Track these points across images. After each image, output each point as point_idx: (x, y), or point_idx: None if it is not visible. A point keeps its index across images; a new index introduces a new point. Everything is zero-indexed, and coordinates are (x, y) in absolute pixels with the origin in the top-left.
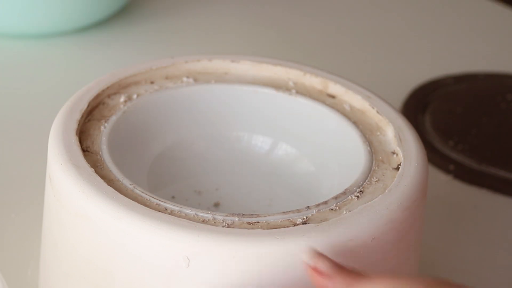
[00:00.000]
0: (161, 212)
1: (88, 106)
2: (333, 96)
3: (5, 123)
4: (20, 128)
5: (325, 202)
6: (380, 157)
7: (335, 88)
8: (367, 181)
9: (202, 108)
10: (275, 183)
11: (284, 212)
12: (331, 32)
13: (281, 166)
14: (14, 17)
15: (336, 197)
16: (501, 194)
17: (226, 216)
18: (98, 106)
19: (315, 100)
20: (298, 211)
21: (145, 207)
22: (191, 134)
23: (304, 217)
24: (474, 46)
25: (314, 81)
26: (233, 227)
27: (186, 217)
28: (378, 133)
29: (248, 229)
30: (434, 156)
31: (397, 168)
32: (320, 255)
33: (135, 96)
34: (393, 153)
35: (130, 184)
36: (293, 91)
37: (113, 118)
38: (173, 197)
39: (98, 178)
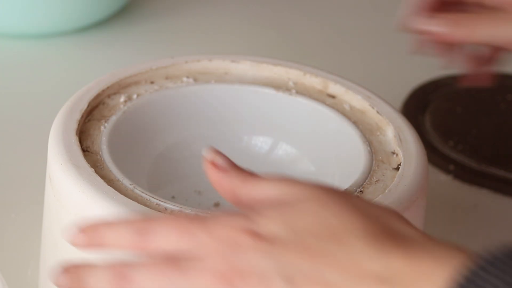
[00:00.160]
0: (161, 212)
1: (88, 106)
2: (333, 96)
3: (5, 123)
4: (20, 128)
5: None
6: (380, 157)
7: (335, 88)
8: (367, 181)
9: (202, 108)
10: None
11: None
12: (331, 32)
13: (281, 166)
14: (14, 17)
15: None
16: (501, 194)
17: None
18: (98, 106)
19: (315, 100)
20: None
21: (145, 207)
22: (191, 134)
23: None
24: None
25: (314, 81)
26: None
27: None
28: (378, 133)
29: None
30: (434, 156)
31: (397, 168)
32: (219, 152)
33: (135, 96)
34: (393, 153)
35: (130, 184)
36: (293, 91)
37: (113, 118)
38: (173, 197)
39: (98, 178)
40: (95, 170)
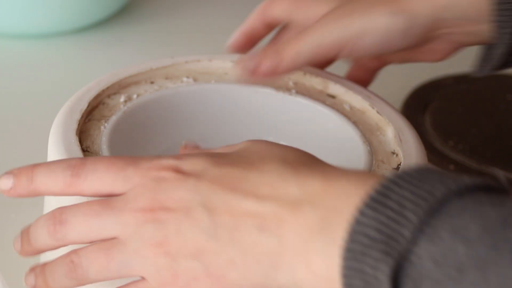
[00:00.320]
0: None
1: (88, 106)
2: (333, 96)
3: (5, 123)
4: (20, 128)
5: None
6: (380, 157)
7: (335, 88)
8: None
9: (202, 108)
10: None
11: None
12: None
13: None
14: (14, 17)
15: None
16: None
17: None
18: (98, 106)
19: (315, 100)
20: None
21: None
22: (191, 134)
23: None
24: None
25: (314, 81)
26: None
27: None
28: (378, 133)
29: None
30: (434, 156)
31: (397, 168)
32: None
33: (135, 96)
34: (393, 153)
35: None
36: (293, 91)
37: (113, 118)
38: None
39: None
40: None
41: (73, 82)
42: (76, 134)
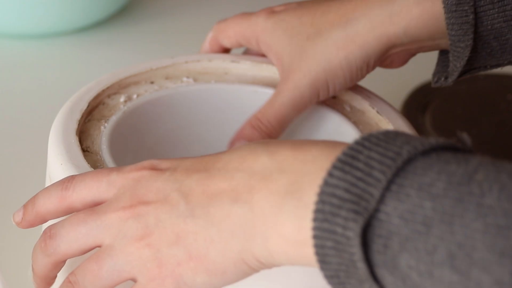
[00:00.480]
0: None
1: (88, 106)
2: (333, 96)
3: (5, 123)
4: (20, 128)
5: None
6: None
7: None
8: None
9: (202, 108)
10: None
11: None
12: None
13: None
14: (14, 17)
15: None
16: None
17: None
18: (98, 106)
19: None
20: None
21: None
22: (191, 134)
23: None
24: None
25: None
26: None
27: None
28: None
29: None
30: None
31: None
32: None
33: (135, 96)
34: None
35: None
36: None
37: (113, 118)
38: None
39: None
40: None
41: (73, 82)
42: (76, 134)
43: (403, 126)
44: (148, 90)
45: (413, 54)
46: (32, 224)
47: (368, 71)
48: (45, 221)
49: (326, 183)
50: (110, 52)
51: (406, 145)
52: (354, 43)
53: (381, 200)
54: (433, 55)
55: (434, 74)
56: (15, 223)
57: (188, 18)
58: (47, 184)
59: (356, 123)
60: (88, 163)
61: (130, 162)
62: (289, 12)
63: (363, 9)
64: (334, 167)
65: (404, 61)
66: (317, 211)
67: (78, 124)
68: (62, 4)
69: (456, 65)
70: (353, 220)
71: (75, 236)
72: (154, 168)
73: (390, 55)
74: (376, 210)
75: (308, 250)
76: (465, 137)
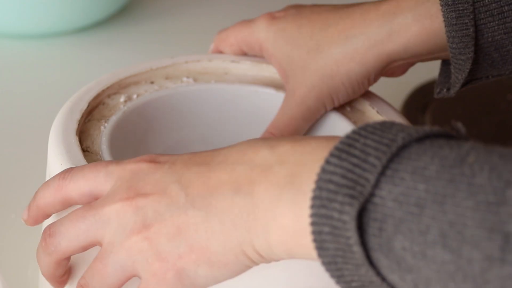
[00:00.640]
0: None
1: (88, 106)
2: None
3: (5, 123)
4: (20, 128)
5: None
6: None
7: None
8: None
9: (202, 108)
10: None
11: None
12: None
13: None
14: (14, 17)
15: None
16: None
17: None
18: (98, 106)
19: None
20: None
21: None
22: (191, 134)
23: None
24: None
25: None
26: None
27: None
28: None
29: None
30: None
31: None
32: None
33: (135, 96)
34: None
35: None
36: None
37: (113, 118)
38: None
39: None
40: None
41: (73, 82)
42: (76, 134)
43: None
44: (148, 90)
45: (412, 65)
46: (36, 220)
47: (370, 84)
48: (46, 215)
49: (323, 170)
50: (110, 52)
51: (401, 133)
52: (353, 60)
53: (376, 184)
54: None
55: (437, 85)
56: (24, 222)
57: (188, 18)
58: None
59: (356, 123)
60: (88, 163)
61: None
62: (289, 21)
63: (361, 26)
64: (332, 155)
65: (404, 71)
66: (314, 197)
67: (78, 124)
68: (62, 4)
69: (458, 77)
70: (349, 204)
71: (75, 232)
72: (153, 161)
73: (390, 68)
74: (372, 194)
75: (306, 239)
76: (459, 125)
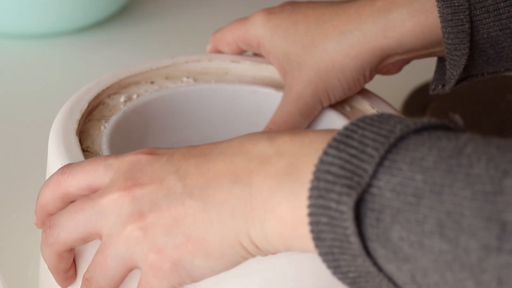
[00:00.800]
0: None
1: (88, 106)
2: None
3: (5, 123)
4: (20, 128)
5: None
6: None
7: None
8: None
9: (202, 108)
10: None
11: None
12: None
13: None
14: (14, 17)
15: None
16: None
17: None
18: (98, 106)
19: None
20: None
21: None
22: (191, 134)
23: None
24: None
25: None
26: None
27: None
28: None
29: None
30: None
31: None
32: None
33: (135, 96)
34: None
35: None
36: None
37: (113, 118)
38: None
39: None
40: None
41: (73, 82)
42: (76, 134)
43: None
44: (148, 90)
45: (408, 62)
46: (43, 221)
47: (365, 81)
48: (49, 214)
49: (321, 161)
50: (110, 52)
51: (399, 124)
52: (348, 56)
53: (374, 175)
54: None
55: (432, 82)
56: (36, 225)
57: (188, 18)
58: None
59: None
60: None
61: None
62: (285, 17)
63: (356, 21)
64: (330, 146)
65: (399, 69)
66: (312, 188)
67: (78, 124)
68: (62, 4)
69: (453, 73)
70: (346, 195)
71: (74, 224)
72: (151, 153)
73: (386, 65)
74: (369, 185)
75: (303, 230)
76: (457, 118)
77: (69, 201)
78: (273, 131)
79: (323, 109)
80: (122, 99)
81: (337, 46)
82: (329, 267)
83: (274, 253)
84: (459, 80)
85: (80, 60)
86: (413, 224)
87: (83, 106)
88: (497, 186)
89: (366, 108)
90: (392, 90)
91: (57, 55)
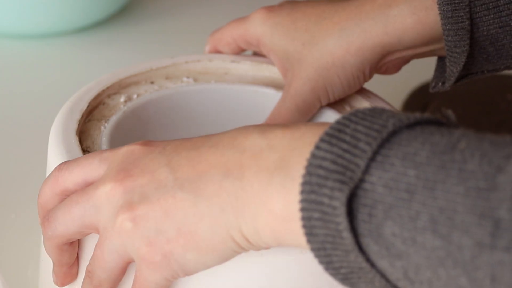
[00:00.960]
0: None
1: (88, 106)
2: None
3: (5, 123)
4: (20, 128)
5: None
6: None
7: None
8: None
9: (202, 108)
10: None
11: None
12: None
13: None
14: (14, 17)
15: None
16: None
17: None
18: (98, 106)
19: None
20: None
21: None
22: (191, 134)
23: None
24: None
25: None
26: None
27: None
28: None
29: None
30: None
31: None
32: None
33: (135, 96)
34: None
35: None
36: None
37: (113, 118)
38: None
39: None
40: None
41: (73, 82)
42: (76, 134)
43: None
44: (148, 90)
45: (407, 62)
46: (41, 219)
47: (365, 80)
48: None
49: (313, 156)
50: (110, 52)
51: (391, 119)
52: (349, 52)
53: (367, 170)
54: (433, 57)
55: (432, 80)
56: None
57: (188, 18)
58: None
59: None
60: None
61: None
62: (284, 15)
63: (356, 18)
64: (322, 140)
65: (398, 68)
66: (304, 183)
67: (78, 124)
68: (62, 4)
69: (453, 70)
70: (339, 190)
71: (70, 218)
72: (145, 145)
73: (385, 63)
74: (362, 180)
75: (295, 225)
76: (450, 113)
77: (65, 195)
78: (265, 124)
79: (322, 108)
80: (122, 99)
81: (338, 42)
82: (321, 262)
83: (266, 248)
84: (459, 78)
85: (80, 60)
86: (406, 220)
87: (83, 106)
88: (491, 182)
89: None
90: (392, 90)
91: (57, 55)
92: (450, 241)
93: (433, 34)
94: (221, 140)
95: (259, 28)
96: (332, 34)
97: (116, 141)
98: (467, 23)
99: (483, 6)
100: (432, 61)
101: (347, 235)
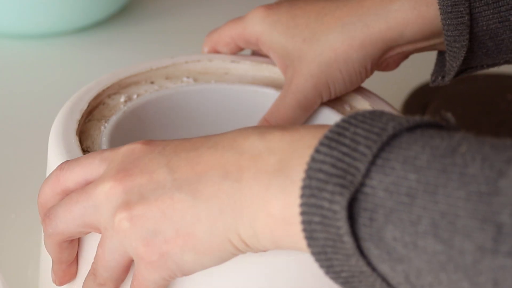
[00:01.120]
0: None
1: (88, 106)
2: None
3: (5, 123)
4: (20, 128)
5: None
6: None
7: None
8: None
9: (202, 108)
10: None
11: None
12: None
13: None
14: (14, 17)
15: None
16: None
17: None
18: (98, 106)
19: None
20: None
21: None
22: (191, 134)
23: None
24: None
25: None
26: None
27: None
28: None
29: None
30: None
31: None
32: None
33: (135, 96)
34: None
35: None
36: None
37: (113, 118)
38: None
39: None
40: None
41: (73, 82)
42: (76, 134)
43: None
44: (148, 90)
45: (407, 57)
46: (42, 218)
47: (367, 75)
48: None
49: (313, 159)
50: (110, 52)
51: (391, 122)
52: (351, 47)
53: (367, 174)
54: (433, 56)
55: (432, 74)
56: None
57: (188, 18)
58: None
59: None
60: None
61: None
62: (283, 12)
63: (358, 13)
64: (321, 143)
65: (398, 64)
66: (304, 187)
67: (78, 124)
68: (62, 4)
69: (453, 64)
70: (339, 194)
71: (71, 217)
72: (145, 143)
73: (386, 58)
74: (362, 184)
75: (295, 228)
76: (449, 116)
77: (66, 194)
78: (265, 126)
79: (321, 107)
80: (122, 99)
81: (340, 37)
82: (321, 266)
83: (263, 251)
84: (458, 72)
85: (80, 60)
86: (407, 224)
87: (83, 106)
88: (493, 186)
89: (366, 108)
90: (392, 90)
91: (57, 55)
92: (451, 245)
93: (434, 28)
94: (221, 141)
95: (258, 26)
96: (334, 30)
97: (116, 141)
98: (466, 18)
99: (482, 1)
100: (432, 61)
101: (348, 239)
